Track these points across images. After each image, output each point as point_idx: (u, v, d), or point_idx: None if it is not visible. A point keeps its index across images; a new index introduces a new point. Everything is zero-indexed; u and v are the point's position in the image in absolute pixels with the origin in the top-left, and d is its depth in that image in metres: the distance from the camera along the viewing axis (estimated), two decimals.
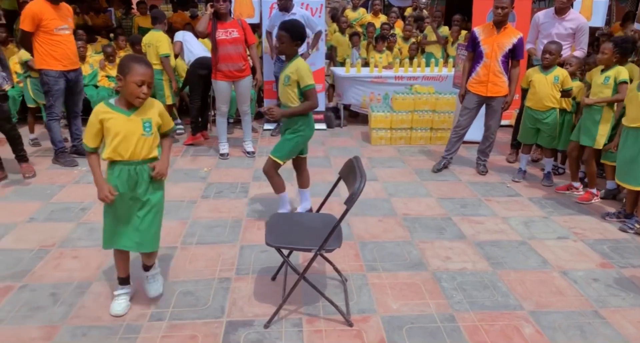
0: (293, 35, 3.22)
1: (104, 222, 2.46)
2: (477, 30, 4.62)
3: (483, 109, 4.76)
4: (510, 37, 4.43)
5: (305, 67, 3.24)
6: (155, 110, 2.41)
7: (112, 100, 2.36)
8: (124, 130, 2.31)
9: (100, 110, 2.32)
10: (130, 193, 2.42)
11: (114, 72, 6.27)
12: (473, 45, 4.60)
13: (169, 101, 5.57)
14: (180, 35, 5.81)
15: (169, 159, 2.61)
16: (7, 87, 4.39)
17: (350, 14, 8.02)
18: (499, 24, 4.43)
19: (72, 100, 4.90)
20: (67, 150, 5.00)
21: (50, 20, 4.46)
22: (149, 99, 2.39)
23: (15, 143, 4.52)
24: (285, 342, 2.37)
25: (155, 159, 2.45)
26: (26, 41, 4.53)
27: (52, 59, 4.55)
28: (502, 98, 4.59)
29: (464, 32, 7.18)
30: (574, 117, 4.59)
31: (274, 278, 2.90)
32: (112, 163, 2.41)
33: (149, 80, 2.27)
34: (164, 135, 2.53)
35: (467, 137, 4.96)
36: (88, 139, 2.37)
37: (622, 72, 3.85)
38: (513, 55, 4.48)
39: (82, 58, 5.93)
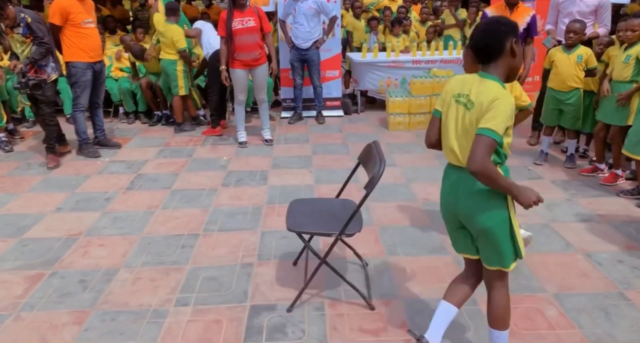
0: None
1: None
2: (488, 11, 4.55)
3: None
4: (524, 16, 4.36)
5: None
6: None
7: None
8: None
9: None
10: None
11: (129, 63, 6.32)
12: None
13: (182, 92, 5.59)
14: (199, 24, 5.82)
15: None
16: (54, 76, 4.64)
17: None
18: (512, 3, 4.36)
19: (95, 91, 5.03)
20: (90, 142, 5.11)
21: (78, 14, 4.66)
22: None
23: (49, 130, 4.72)
24: (308, 326, 2.40)
25: None
26: (54, 35, 4.70)
27: (80, 51, 4.73)
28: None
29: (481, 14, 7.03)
30: (596, 96, 4.48)
31: (295, 264, 2.94)
32: None
33: None
34: None
35: None
36: None
37: None
38: (527, 33, 4.42)
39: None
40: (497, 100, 1.68)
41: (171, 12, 5.50)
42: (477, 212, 1.84)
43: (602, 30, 4.76)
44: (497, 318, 1.96)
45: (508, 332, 1.98)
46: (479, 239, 1.91)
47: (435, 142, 1.99)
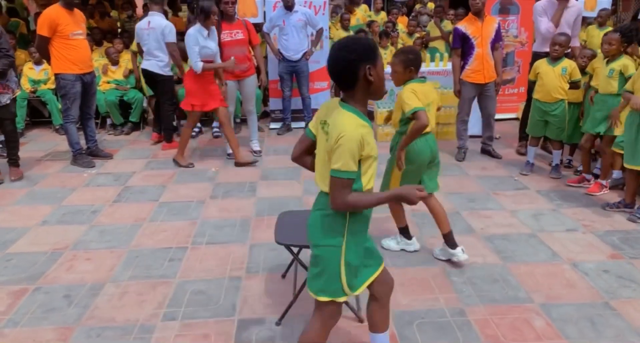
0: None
1: None
2: (461, 26, 4.86)
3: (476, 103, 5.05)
4: (492, 24, 4.80)
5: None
6: (400, 95, 2.82)
7: None
8: None
9: None
10: None
11: (116, 75, 6.29)
12: (462, 41, 4.81)
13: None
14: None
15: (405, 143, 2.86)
16: (17, 91, 4.60)
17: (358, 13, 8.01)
18: (479, 13, 4.71)
19: (86, 102, 5.00)
20: (84, 152, 5.07)
21: (66, 26, 4.62)
22: (406, 87, 2.82)
23: (12, 146, 4.66)
24: (297, 339, 2.38)
25: (398, 132, 2.96)
26: (43, 46, 4.69)
27: (69, 62, 4.69)
28: (493, 83, 4.93)
29: None
30: (581, 108, 4.56)
31: (284, 276, 2.93)
32: None
33: None
34: None
35: (470, 132, 5.23)
36: None
37: (629, 66, 3.82)
38: (495, 40, 4.81)
39: None
40: (342, 138, 1.62)
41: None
42: (314, 235, 1.83)
43: (576, 42, 4.94)
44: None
45: None
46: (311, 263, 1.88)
47: (296, 158, 1.96)
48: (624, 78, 3.84)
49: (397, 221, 3.21)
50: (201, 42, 4.45)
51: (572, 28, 4.93)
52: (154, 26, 5.12)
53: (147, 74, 5.35)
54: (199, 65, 4.42)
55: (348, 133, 1.63)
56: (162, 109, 5.55)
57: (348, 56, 1.65)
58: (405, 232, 3.22)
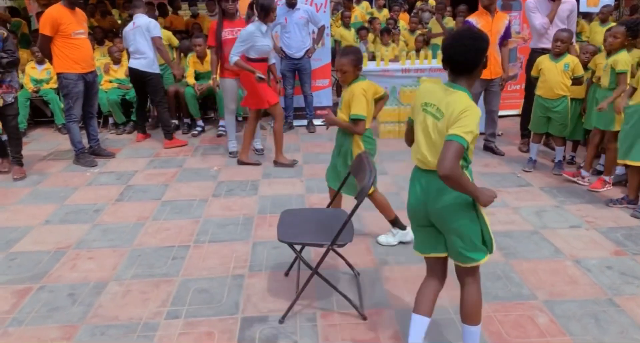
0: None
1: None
2: (472, 20, 4.83)
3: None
4: (503, 21, 4.78)
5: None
6: (348, 95, 2.88)
7: None
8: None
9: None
10: None
11: (118, 75, 6.30)
12: None
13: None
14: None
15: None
16: (19, 90, 4.69)
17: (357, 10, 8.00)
18: (489, 6, 4.70)
19: (88, 101, 5.01)
20: (86, 151, 5.09)
21: (68, 25, 4.63)
22: (355, 86, 2.88)
23: (16, 144, 4.70)
24: (301, 337, 2.39)
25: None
26: (45, 46, 4.70)
27: (71, 62, 4.70)
28: (499, 78, 4.95)
29: None
30: (583, 104, 4.55)
31: (287, 274, 2.93)
32: None
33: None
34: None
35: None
36: None
37: (619, 61, 3.81)
38: (504, 36, 4.82)
39: None
40: (467, 111, 1.80)
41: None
42: (450, 211, 1.93)
43: (572, 38, 4.95)
44: (470, 314, 2.03)
45: (480, 326, 2.05)
46: (451, 237, 1.97)
47: (409, 146, 2.17)
48: (615, 73, 3.84)
49: (386, 214, 3.20)
50: (259, 39, 4.46)
51: (567, 24, 4.94)
52: (139, 24, 5.22)
53: (135, 73, 5.38)
54: (233, 59, 4.43)
55: (472, 109, 1.81)
56: (157, 108, 5.59)
57: (481, 45, 1.86)
58: (396, 222, 3.23)
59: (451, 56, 1.88)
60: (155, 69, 5.35)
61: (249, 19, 4.67)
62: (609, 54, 3.96)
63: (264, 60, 4.65)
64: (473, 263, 1.97)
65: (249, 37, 4.43)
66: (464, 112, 1.79)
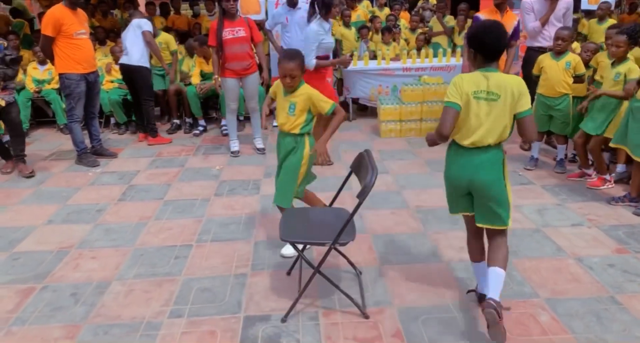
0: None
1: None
2: (481, 16, 4.79)
3: None
4: (512, 20, 4.77)
5: None
6: (304, 97, 2.81)
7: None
8: (279, 106, 2.92)
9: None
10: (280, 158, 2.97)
11: (119, 75, 6.28)
12: None
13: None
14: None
15: (327, 136, 2.88)
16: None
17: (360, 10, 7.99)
18: (501, 5, 4.70)
19: (90, 102, 5.03)
20: (88, 151, 5.10)
21: (70, 25, 4.64)
22: (305, 89, 2.84)
23: (19, 141, 4.74)
24: (303, 336, 2.40)
25: (299, 135, 2.88)
26: (47, 46, 4.72)
27: (73, 62, 4.72)
28: None
29: (470, 21, 7.11)
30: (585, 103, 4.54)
31: (289, 273, 2.93)
32: None
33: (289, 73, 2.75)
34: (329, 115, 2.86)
35: None
36: None
37: (634, 70, 3.80)
38: (511, 36, 4.76)
39: None
40: (523, 88, 2.18)
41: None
42: (494, 183, 2.29)
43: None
44: (502, 260, 2.34)
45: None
46: (490, 204, 2.31)
47: (449, 134, 2.28)
48: (626, 80, 3.84)
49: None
50: (322, 37, 4.45)
51: (563, 23, 4.96)
52: (132, 23, 5.35)
53: (125, 69, 5.42)
54: (312, 63, 4.41)
55: (523, 82, 2.19)
56: (142, 105, 5.59)
57: (505, 31, 2.25)
58: None
59: (488, 44, 2.18)
60: (144, 63, 5.36)
61: (310, 17, 4.61)
62: (614, 63, 3.95)
63: (327, 58, 4.63)
64: (506, 226, 2.35)
65: (316, 37, 4.41)
66: (521, 88, 2.17)
